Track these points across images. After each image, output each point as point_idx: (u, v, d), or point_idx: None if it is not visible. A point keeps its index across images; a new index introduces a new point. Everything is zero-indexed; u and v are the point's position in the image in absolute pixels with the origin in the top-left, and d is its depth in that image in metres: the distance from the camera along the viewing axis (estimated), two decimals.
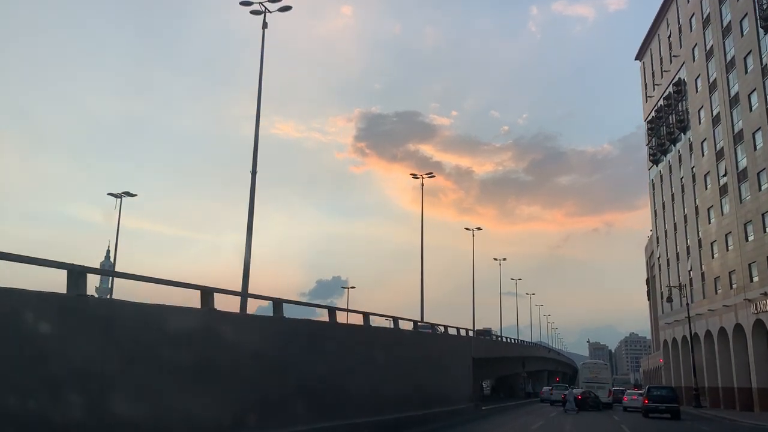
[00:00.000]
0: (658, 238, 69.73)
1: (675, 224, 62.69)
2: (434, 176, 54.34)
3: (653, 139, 69.05)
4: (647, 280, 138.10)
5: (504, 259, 77.51)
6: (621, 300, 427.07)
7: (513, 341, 52.37)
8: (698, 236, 55.79)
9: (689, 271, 58.20)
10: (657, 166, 69.08)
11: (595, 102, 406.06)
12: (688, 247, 58.78)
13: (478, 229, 65.60)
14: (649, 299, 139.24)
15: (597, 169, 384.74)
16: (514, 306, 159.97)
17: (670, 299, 53.06)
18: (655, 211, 70.02)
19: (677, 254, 62.18)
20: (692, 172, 57.37)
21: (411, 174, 54.15)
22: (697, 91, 55.79)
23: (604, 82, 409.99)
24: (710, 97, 52.58)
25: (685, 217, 59.43)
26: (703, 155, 54.55)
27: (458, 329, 30.07)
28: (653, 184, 70.85)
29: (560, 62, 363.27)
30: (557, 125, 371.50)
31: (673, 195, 63.42)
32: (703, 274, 54.72)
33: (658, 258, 69.55)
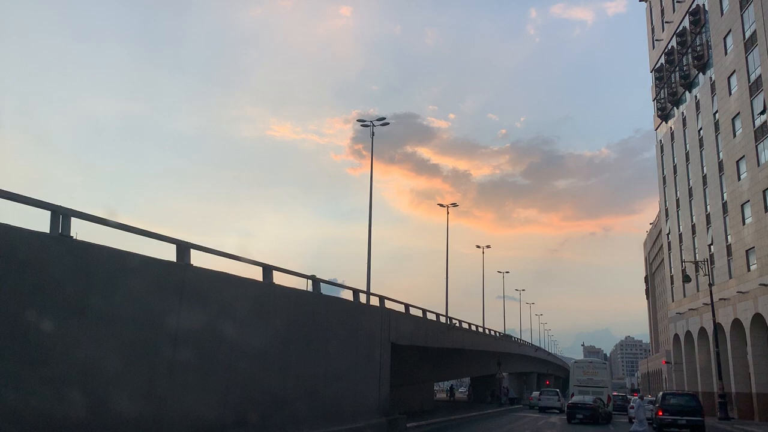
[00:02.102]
0: (667, 210, 57.42)
1: (690, 189, 50.44)
2: (388, 123, 43.06)
3: (662, 91, 56.86)
4: (646, 278, 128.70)
5: (488, 247, 66.87)
6: (617, 304, 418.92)
7: (477, 329, 39.91)
8: (723, 199, 43.56)
9: (710, 246, 45.91)
10: (666, 122, 56.87)
11: (593, 106, 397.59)
12: (707, 216, 46.52)
13: (454, 205, 56.17)
14: (648, 298, 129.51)
15: (595, 173, 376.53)
16: (512, 311, 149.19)
17: (687, 278, 40.79)
18: (664, 177, 57.76)
19: (692, 227, 49.92)
20: (714, 118, 45.15)
21: (359, 120, 43.27)
22: (722, 14, 43.58)
23: (603, 86, 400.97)
24: (741, 15, 40.38)
25: (704, 177, 47.20)
26: (730, 93, 42.32)
27: (357, 291, 17.65)
28: (661, 146, 58.61)
29: (559, 66, 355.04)
30: (555, 129, 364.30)
31: (687, 154, 51.20)
32: (729, 246, 42.46)
33: (668, 235, 57.24)
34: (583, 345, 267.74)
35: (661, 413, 29.03)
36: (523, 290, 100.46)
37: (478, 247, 66.25)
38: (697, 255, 48.05)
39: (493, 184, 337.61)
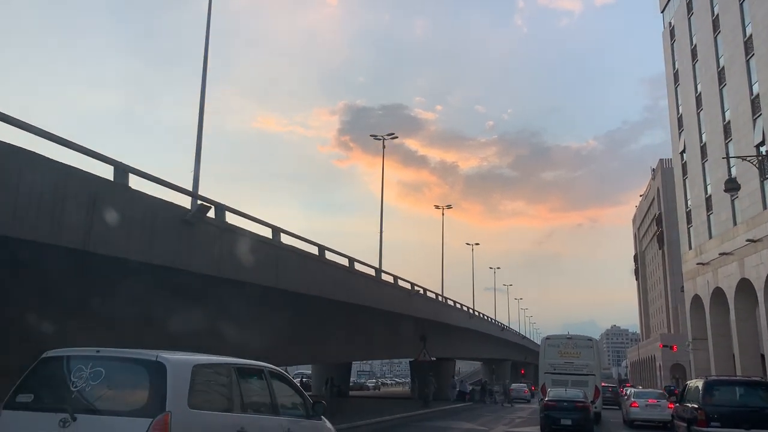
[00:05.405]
0: (680, 118, 39.94)
1: (721, 71, 33.06)
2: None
3: None
4: (635, 257, 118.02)
5: (448, 206, 56.82)
6: (604, 296, 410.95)
7: (353, 265, 20.51)
8: None
9: (758, 147, 28.56)
10: None
11: (580, 97, 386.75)
12: (754, 100, 29.20)
13: (392, 136, 44.71)
14: (637, 278, 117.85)
15: (582, 164, 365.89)
16: (499, 302, 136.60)
17: (732, 183, 23.50)
18: (676, 73, 40.42)
19: (725, 126, 32.58)
20: None
21: None
22: None
23: (590, 77, 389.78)
24: None
25: (747, 43, 29.85)
26: None
27: None
28: (671, 29, 41.21)
29: (546, 56, 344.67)
30: (542, 120, 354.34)
31: (716, 19, 33.81)
32: None
33: (682, 153, 39.68)
34: (567, 335, 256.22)
35: (704, 421, 14.16)
36: (498, 268, 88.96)
37: (437, 207, 55.79)
38: (733, 171, 30.66)
39: (480, 176, 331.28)
